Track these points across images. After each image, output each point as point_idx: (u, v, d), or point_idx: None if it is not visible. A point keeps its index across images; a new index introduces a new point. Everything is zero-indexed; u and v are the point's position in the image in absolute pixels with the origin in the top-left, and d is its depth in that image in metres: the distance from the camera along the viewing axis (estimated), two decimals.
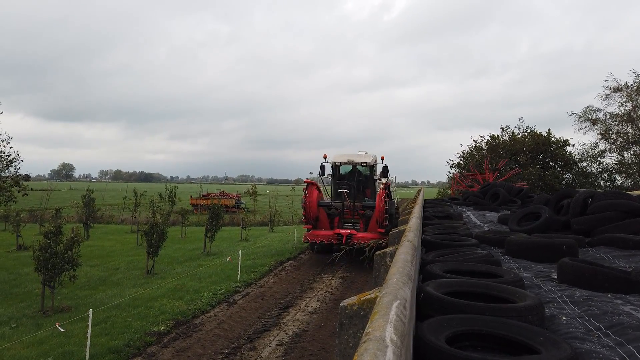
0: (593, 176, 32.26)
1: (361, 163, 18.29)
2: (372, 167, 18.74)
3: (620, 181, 31.15)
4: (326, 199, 19.04)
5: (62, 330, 9.27)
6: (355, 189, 18.44)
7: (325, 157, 18.43)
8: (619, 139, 30.59)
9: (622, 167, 30.63)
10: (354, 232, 16.81)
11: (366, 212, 17.64)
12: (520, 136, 34.64)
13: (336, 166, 18.89)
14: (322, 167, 18.27)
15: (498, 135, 35.62)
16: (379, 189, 17.48)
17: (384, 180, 18.64)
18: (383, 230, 16.06)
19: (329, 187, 19.95)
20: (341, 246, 16.19)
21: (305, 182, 17.94)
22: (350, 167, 18.84)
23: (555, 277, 4.76)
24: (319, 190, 18.20)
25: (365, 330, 1.69)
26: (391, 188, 19.43)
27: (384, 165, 18.36)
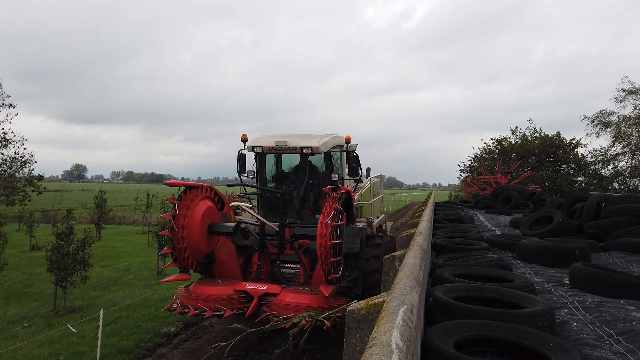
0: (607, 179, 31.88)
1: (302, 149, 9.34)
2: (327, 157, 9.77)
3: (636, 183, 30.75)
4: (248, 216, 9.94)
5: (73, 330, 9.37)
6: (302, 198, 9.91)
7: (244, 141, 9.90)
8: (632, 142, 30.22)
9: (636, 170, 30.26)
10: (275, 289, 8.05)
11: (310, 245, 8.73)
12: (530, 138, 34.39)
13: (260, 155, 10.03)
14: (241, 158, 9.99)
15: (507, 138, 35.39)
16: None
17: (365, 183, 11.39)
18: (329, 290, 7.64)
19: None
20: (235, 326, 7.33)
21: (167, 184, 8.76)
22: (298, 159, 10.25)
23: (567, 282, 4.71)
24: (221, 201, 9.08)
25: (372, 335, 1.69)
26: (369, 196, 11.51)
27: (353, 153, 9.67)
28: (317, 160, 10.20)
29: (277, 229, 8.85)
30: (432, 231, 7.58)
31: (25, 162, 22.60)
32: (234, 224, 8.56)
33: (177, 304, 7.97)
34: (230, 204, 9.01)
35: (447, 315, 3.08)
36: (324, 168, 10.04)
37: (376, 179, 12.85)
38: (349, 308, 2.73)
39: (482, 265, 4.80)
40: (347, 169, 10.32)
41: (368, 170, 11.57)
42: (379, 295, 2.74)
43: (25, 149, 22.63)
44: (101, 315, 8.92)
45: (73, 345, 9.11)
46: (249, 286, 8.14)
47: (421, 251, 3.68)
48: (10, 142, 22.21)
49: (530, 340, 2.64)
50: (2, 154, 22.26)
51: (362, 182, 10.71)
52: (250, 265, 9.09)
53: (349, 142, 9.65)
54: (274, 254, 9.05)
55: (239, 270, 8.92)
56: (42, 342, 9.25)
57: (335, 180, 9.28)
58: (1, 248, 13.23)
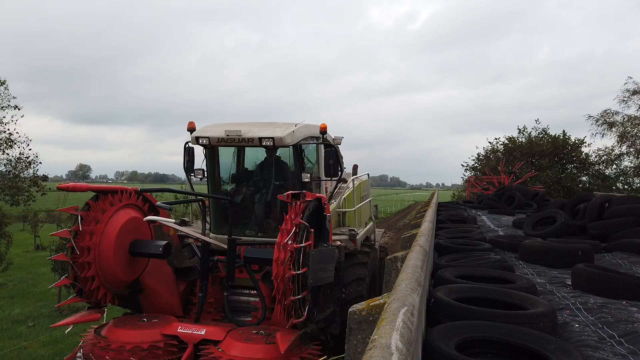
0: (610, 179, 31.78)
1: (261, 140, 7.02)
2: (296, 152, 7.51)
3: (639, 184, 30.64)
4: (198, 229, 7.42)
5: (66, 332, 9.42)
6: (266, 204, 7.68)
7: (191, 130, 7.51)
8: (637, 141, 30.10)
9: None
10: (218, 333, 6.04)
11: (271, 269, 5.82)
12: (535, 138, 34.29)
13: (209, 149, 7.68)
14: (188, 153, 7.85)
15: (515, 138, 35.30)
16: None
17: (349, 184, 8.95)
18: (288, 340, 5.62)
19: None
20: None
21: (60, 187, 6.19)
22: (264, 154, 7.93)
23: (570, 283, 4.71)
24: (153, 209, 7.00)
25: (372, 337, 1.70)
26: (354, 201, 8.78)
27: (330, 146, 7.38)
28: (287, 155, 7.91)
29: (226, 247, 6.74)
30: (435, 232, 7.58)
31: (30, 163, 22.72)
32: (164, 242, 6.26)
33: (81, 355, 5.99)
34: (144, 219, 6.32)
35: (449, 317, 3.09)
36: (294, 166, 7.66)
37: (363, 179, 10.47)
38: (350, 310, 2.73)
39: (484, 266, 4.80)
40: (321, 164, 8.00)
41: (355, 167, 10.14)
42: (380, 297, 2.75)
43: (30, 149, 22.74)
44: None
45: (77, 345, 9.15)
46: (182, 329, 6.01)
47: (423, 252, 3.69)
48: (15, 143, 22.33)
49: (531, 341, 2.64)
50: (7, 154, 22.40)
51: (345, 181, 8.73)
52: (192, 294, 7.04)
53: (326, 132, 7.42)
54: (219, 278, 7.02)
55: (178, 301, 6.78)
56: (46, 341, 9.31)
57: (307, 182, 7.25)
58: (6, 248, 13.30)
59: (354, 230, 7.76)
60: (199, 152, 7.76)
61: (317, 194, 6.16)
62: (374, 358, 1.41)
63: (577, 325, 3.36)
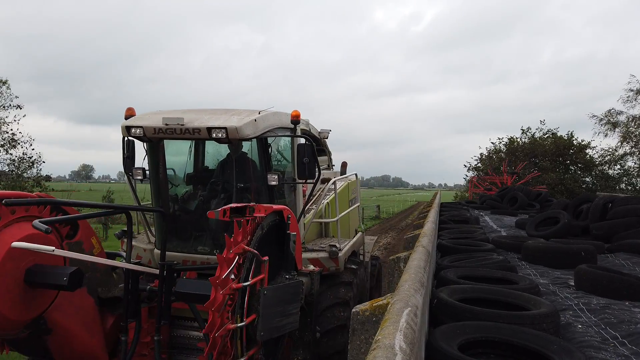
0: (614, 179, 31.73)
1: (211, 132, 5.14)
2: (261, 147, 5.68)
3: None
4: (143, 244, 6.44)
5: None
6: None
7: (128, 118, 5.75)
8: None
9: None
10: None
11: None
12: (539, 139, 34.24)
13: (150, 143, 5.87)
14: (128, 148, 6.01)
15: (517, 138, 35.26)
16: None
17: (330, 185, 6.85)
18: None
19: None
20: None
21: None
22: (227, 150, 6.15)
23: (573, 284, 4.71)
24: (72, 224, 4.68)
25: (375, 337, 1.71)
26: (341, 206, 7.10)
27: (306, 139, 5.70)
28: (254, 151, 6.04)
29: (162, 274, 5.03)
30: (438, 232, 7.57)
31: (33, 163, 22.81)
32: (73, 268, 4.20)
33: None
34: (12, 244, 3.88)
35: (452, 317, 3.09)
36: (259, 165, 5.93)
37: (352, 179, 8.56)
38: (353, 310, 2.74)
39: (487, 267, 4.81)
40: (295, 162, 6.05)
41: (344, 165, 8.76)
42: (383, 297, 2.76)
43: (33, 149, 22.83)
44: None
45: None
46: None
47: (426, 253, 3.69)
48: (18, 143, 22.42)
49: (534, 342, 2.65)
50: (11, 154, 22.50)
51: (330, 179, 7.06)
52: (119, 332, 5.10)
53: (298, 122, 5.84)
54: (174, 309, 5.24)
55: (102, 342, 4.94)
56: None
57: (274, 185, 5.62)
58: None
59: (335, 245, 6.09)
60: (124, 144, 6.07)
61: (275, 206, 4.52)
62: (378, 358, 1.42)
63: (580, 326, 3.36)
